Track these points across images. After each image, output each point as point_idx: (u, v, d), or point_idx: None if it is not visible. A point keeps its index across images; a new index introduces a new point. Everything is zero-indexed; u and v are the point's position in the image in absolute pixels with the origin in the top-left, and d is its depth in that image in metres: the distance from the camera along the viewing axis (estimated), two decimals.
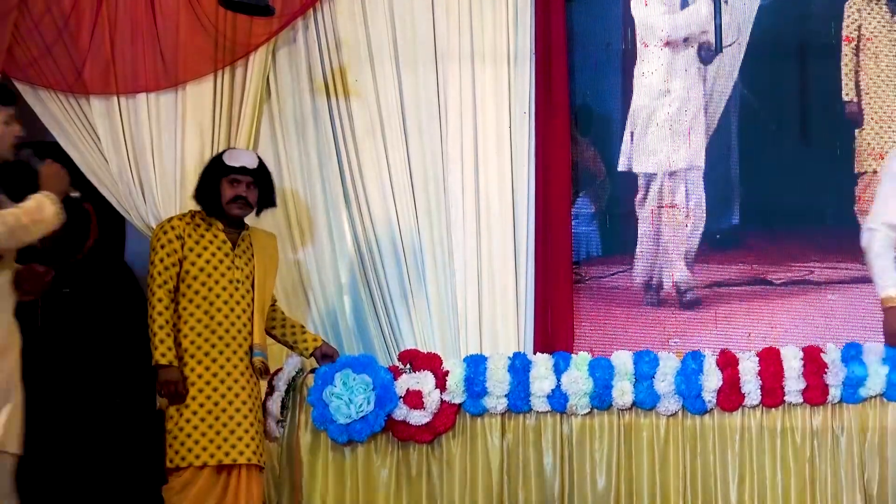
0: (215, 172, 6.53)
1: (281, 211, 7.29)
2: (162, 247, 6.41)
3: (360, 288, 7.39)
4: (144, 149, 7.09)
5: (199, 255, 6.46)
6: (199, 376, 6.39)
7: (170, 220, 6.57)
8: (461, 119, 7.28)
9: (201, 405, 6.39)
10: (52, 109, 7.06)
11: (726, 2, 7.26)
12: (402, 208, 7.32)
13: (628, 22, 7.48)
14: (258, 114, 7.37)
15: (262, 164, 6.71)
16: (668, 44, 7.49)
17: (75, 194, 5.52)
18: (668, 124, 7.57)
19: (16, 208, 5.32)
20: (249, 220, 6.84)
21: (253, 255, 6.62)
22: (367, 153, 7.38)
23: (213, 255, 6.50)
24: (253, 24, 7.07)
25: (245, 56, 7.25)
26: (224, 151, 6.73)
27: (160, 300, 6.36)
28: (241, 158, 6.59)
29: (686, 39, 7.53)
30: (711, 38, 7.29)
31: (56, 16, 6.97)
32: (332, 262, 7.43)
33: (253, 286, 6.60)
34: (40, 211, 5.40)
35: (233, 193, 6.45)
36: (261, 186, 6.59)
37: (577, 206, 7.43)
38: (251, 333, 6.55)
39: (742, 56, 7.44)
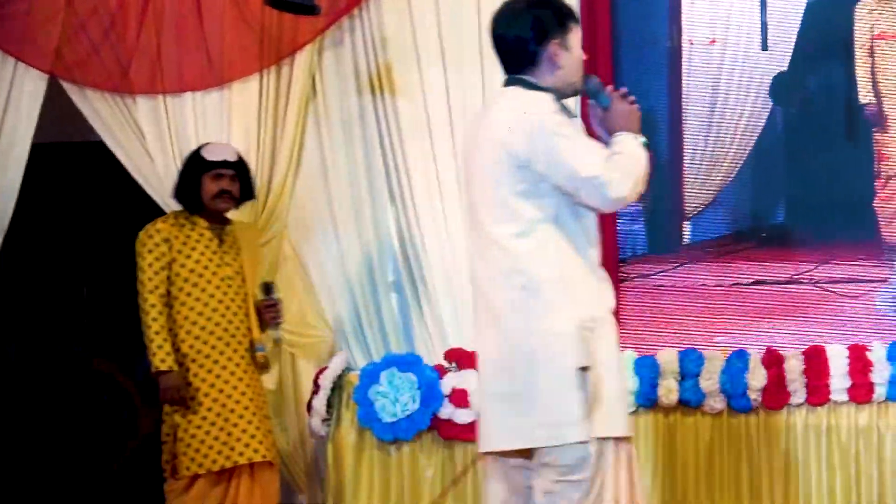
0: (196, 168, 6.54)
1: (325, 209, 7.42)
2: (150, 251, 6.40)
3: (405, 286, 7.37)
4: (190, 148, 6.93)
5: (189, 257, 6.47)
6: (203, 380, 6.41)
7: (154, 223, 6.54)
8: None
9: (209, 409, 6.40)
10: (98, 109, 7.10)
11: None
12: (448, 206, 7.20)
13: (675, 19, 7.44)
14: (304, 113, 7.38)
15: (240, 157, 6.73)
16: (713, 42, 7.49)
17: (643, 139, 4.93)
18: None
19: (623, 156, 4.79)
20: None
21: (239, 250, 6.63)
22: (414, 152, 7.27)
23: (202, 254, 6.51)
24: (299, 22, 7.06)
25: (291, 55, 7.25)
26: (202, 147, 6.73)
27: (153, 306, 6.34)
28: (221, 152, 6.62)
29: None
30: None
31: (103, 15, 7.00)
32: (379, 260, 7.44)
33: (243, 281, 6.60)
34: (635, 153, 4.83)
35: (217, 188, 6.47)
36: (241, 179, 6.60)
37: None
38: (249, 329, 6.54)
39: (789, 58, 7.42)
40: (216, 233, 6.53)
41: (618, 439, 4.71)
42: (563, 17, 4.81)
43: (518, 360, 4.70)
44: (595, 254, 4.84)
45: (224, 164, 6.51)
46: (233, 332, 6.46)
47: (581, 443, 4.62)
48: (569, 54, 4.77)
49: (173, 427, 6.37)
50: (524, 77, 4.77)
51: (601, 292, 4.81)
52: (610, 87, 4.90)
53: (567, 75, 4.78)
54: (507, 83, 4.84)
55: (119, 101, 7.14)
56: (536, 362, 4.68)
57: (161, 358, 6.28)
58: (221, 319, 6.43)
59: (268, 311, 6.55)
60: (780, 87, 7.34)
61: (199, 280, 6.43)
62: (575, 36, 4.81)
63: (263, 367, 6.60)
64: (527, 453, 4.78)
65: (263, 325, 6.59)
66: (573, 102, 5.06)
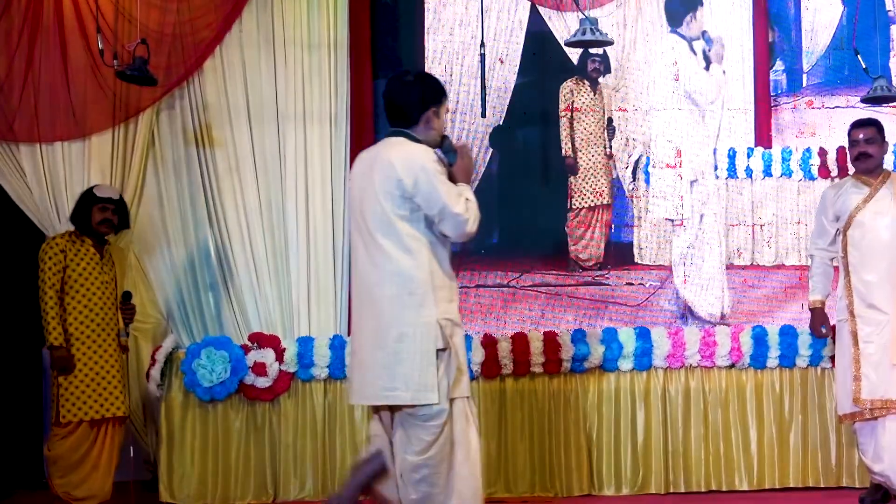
0: (88, 202, 7.28)
1: (161, 229, 8.19)
2: (50, 258, 7.14)
3: (219, 287, 8.22)
4: (60, 183, 7.86)
5: (78, 265, 7.22)
6: (84, 353, 7.20)
7: (53, 238, 7.26)
8: (296, 163, 8.13)
9: (86, 374, 7.17)
10: None
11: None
12: (252, 228, 8.16)
13: None
14: (145, 158, 8.15)
15: (121, 196, 7.48)
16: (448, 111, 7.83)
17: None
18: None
19: (471, 203, 5.41)
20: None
21: (114, 264, 7.45)
22: (227, 188, 8.19)
23: (88, 263, 7.24)
24: (142, 91, 7.85)
25: (136, 115, 8.02)
26: (94, 186, 7.39)
27: (51, 297, 7.12)
28: (107, 191, 7.36)
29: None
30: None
31: None
32: (200, 267, 8.22)
33: (116, 286, 7.43)
34: (476, 204, 5.47)
35: (101, 217, 7.27)
36: (120, 213, 7.41)
37: None
38: (118, 320, 7.39)
39: (502, 121, 8.50)
40: (98, 249, 7.32)
41: (464, 398, 5.47)
42: (439, 93, 5.52)
43: (392, 339, 5.30)
44: (449, 267, 5.45)
45: (109, 200, 7.29)
46: (108, 321, 7.31)
47: (436, 403, 5.31)
48: (439, 120, 5.48)
49: (58, 387, 7.15)
50: (407, 131, 5.41)
51: (455, 294, 5.49)
52: (458, 145, 5.57)
53: (436, 135, 5.47)
54: (393, 135, 5.44)
55: (5, 147, 7.84)
56: (406, 342, 5.30)
57: (55, 336, 7.09)
58: (101, 311, 7.27)
59: (125, 313, 7.41)
60: (497, 136, 8.46)
61: (85, 282, 7.22)
62: (444, 107, 5.50)
63: (125, 348, 7.44)
64: (393, 406, 5.44)
65: (125, 322, 7.44)
66: None
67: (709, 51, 8.64)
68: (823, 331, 7.54)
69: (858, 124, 7.46)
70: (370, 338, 5.38)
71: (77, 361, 7.21)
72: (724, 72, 8.65)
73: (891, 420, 7.15)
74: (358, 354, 5.50)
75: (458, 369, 5.44)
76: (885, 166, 7.58)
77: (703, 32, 8.61)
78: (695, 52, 8.66)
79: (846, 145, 7.76)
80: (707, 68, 8.68)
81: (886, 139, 7.50)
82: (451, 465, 5.43)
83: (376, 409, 5.60)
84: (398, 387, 5.32)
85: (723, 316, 8.52)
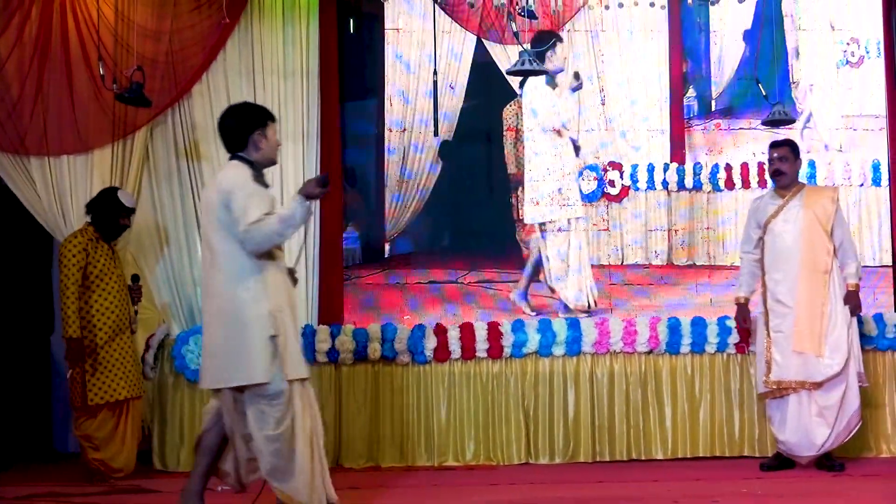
0: (116, 211, 7.86)
1: (155, 232, 8.85)
2: (73, 255, 7.62)
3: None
4: (65, 191, 8.36)
5: (98, 261, 7.76)
6: (107, 342, 7.72)
7: (74, 235, 7.71)
8: (272, 176, 7.89)
9: (108, 361, 7.66)
10: (3, 164, 8.34)
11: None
12: None
13: (380, 116, 9.08)
14: (140, 169, 8.74)
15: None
16: (404, 130, 9.07)
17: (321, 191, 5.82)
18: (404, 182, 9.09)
19: (273, 216, 5.78)
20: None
21: (120, 259, 8.01)
22: None
23: (105, 262, 7.80)
24: (138, 111, 8.42)
25: (133, 132, 8.59)
26: (117, 191, 7.87)
27: (73, 293, 7.59)
28: (130, 200, 8.03)
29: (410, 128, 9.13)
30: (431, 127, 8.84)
31: (7, 102, 8.26)
32: (188, 266, 8.87)
33: (124, 280, 8.00)
34: (293, 216, 5.79)
35: (124, 223, 7.97)
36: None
37: (347, 232, 9.03)
38: (129, 311, 7.97)
39: (451, 138, 9.17)
40: (109, 246, 7.90)
41: (302, 380, 5.96)
42: (261, 116, 5.95)
43: (234, 330, 5.78)
44: (283, 264, 5.97)
45: (132, 210, 7.95)
46: (122, 309, 7.88)
47: (279, 381, 5.81)
48: (267, 140, 5.90)
49: (83, 374, 7.64)
50: (240, 154, 5.90)
51: (287, 288, 6.00)
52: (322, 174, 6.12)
53: (265, 154, 5.92)
54: (231, 158, 5.96)
55: (18, 159, 8.34)
56: (246, 332, 5.78)
57: (74, 329, 7.59)
58: (118, 304, 7.86)
59: (134, 292, 7.99)
60: (445, 150, 9.14)
61: (104, 277, 7.79)
62: (272, 129, 5.89)
63: (132, 332, 7.95)
64: (239, 389, 5.87)
65: (132, 301, 8.01)
66: None
67: (567, 79, 9.25)
68: (743, 322, 8.34)
69: (773, 145, 8.23)
70: (219, 330, 5.86)
71: (101, 350, 7.72)
72: (578, 99, 9.40)
73: (793, 398, 8.01)
74: (209, 346, 5.98)
75: (291, 352, 5.90)
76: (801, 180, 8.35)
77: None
78: (556, 85, 9.35)
79: (752, 162, 8.71)
80: (564, 95, 9.34)
81: (800, 156, 8.25)
82: (294, 440, 5.90)
83: (217, 391, 6.07)
84: (243, 369, 5.81)
85: (589, 306, 9.23)
